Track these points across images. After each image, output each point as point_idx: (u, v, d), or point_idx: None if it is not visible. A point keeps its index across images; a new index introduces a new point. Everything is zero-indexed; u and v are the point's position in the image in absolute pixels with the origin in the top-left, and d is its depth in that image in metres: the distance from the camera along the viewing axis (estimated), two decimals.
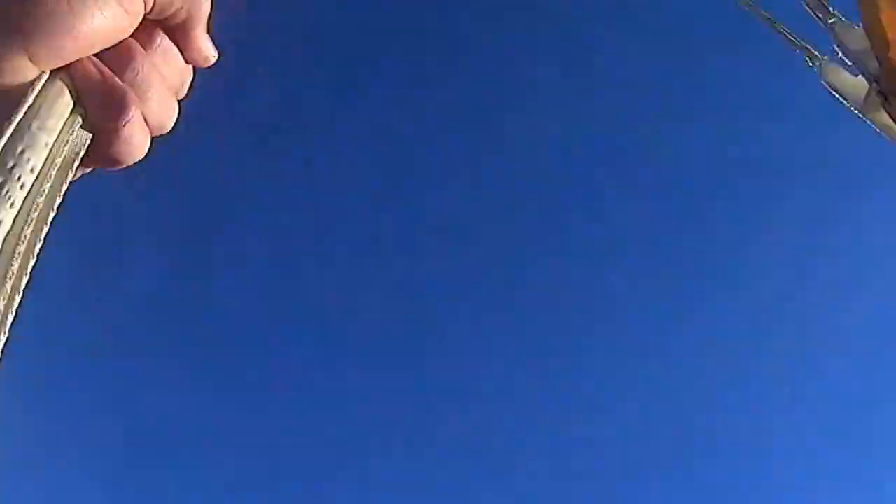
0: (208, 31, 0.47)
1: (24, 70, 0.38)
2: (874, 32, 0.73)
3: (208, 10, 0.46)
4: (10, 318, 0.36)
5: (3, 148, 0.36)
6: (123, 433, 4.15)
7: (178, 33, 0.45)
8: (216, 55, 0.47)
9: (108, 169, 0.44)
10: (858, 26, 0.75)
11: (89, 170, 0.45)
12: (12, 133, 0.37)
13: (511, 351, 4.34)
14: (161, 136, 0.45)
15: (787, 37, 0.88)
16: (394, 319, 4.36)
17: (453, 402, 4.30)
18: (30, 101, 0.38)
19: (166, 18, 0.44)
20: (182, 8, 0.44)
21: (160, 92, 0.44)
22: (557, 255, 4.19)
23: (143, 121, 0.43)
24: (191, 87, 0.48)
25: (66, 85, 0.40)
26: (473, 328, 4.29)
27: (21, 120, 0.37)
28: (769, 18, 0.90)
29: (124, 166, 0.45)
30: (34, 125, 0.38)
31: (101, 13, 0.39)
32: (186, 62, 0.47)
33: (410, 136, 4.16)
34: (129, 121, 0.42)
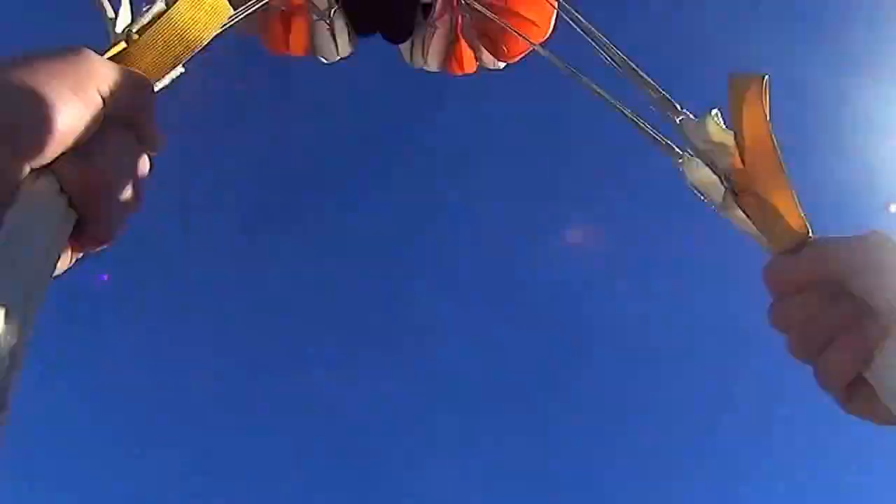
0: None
1: (14, 172, 0.43)
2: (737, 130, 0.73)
3: (154, 102, 0.54)
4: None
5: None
6: None
7: (135, 124, 0.51)
8: (165, 140, 0.54)
9: (95, 249, 0.50)
10: (705, 122, 0.74)
11: (79, 255, 0.50)
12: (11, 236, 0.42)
13: None
14: (136, 213, 0.51)
15: (649, 134, 0.87)
16: None
17: None
18: (23, 198, 0.43)
19: (122, 114, 0.50)
20: (129, 103, 0.50)
21: (129, 177, 0.50)
22: None
23: (120, 203, 0.49)
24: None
25: (54, 179, 0.45)
26: None
27: (14, 220, 0.42)
28: (631, 117, 0.90)
29: (108, 244, 0.50)
30: (26, 222, 0.43)
31: (71, 110, 0.45)
32: (144, 150, 0.52)
33: None
34: (108, 202, 0.48)
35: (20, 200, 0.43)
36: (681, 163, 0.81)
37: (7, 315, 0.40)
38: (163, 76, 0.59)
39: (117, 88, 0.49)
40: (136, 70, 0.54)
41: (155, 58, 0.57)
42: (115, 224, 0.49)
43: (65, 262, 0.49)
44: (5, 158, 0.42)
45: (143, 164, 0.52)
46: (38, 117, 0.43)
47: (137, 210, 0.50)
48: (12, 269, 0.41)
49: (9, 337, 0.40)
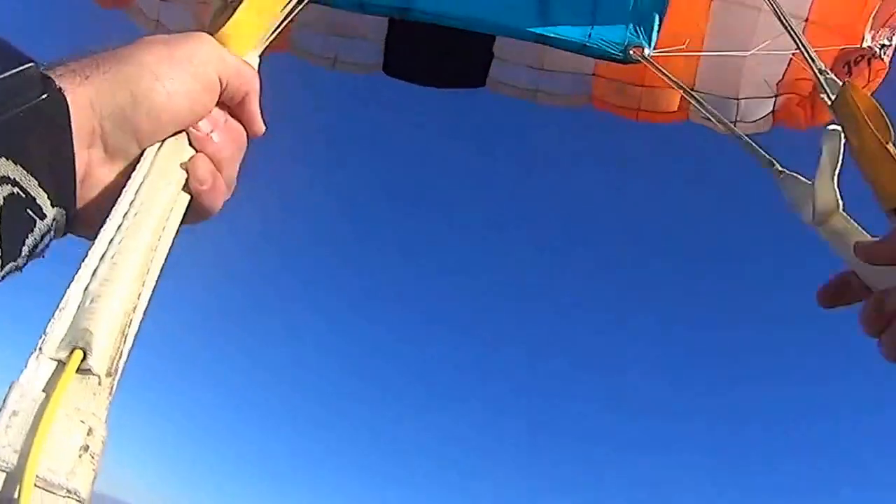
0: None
1: (135, 151, 0.48)
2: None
3: (259, 90, 0.56)
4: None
5: (125, 213, 0.44)
6: None
7: (240, 110, 0.55)
8: (264, 128, 0.57)
9: (195, 222, 0.53)
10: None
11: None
12: (132, 201, 0.45)
13: None
14: (229, 196, 0.54)
15: (756, 148, 1.03)
16: None
17: None
18: (143, 172, 0.47)
19: (232, 98, 0.54)
20: (241, 88, 0.54)
21: (231, 160, 0.53)
22: None
23: (223, 185, 0.52)
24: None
25: (177, 154, 0.49)
26: None
27: (138, 188, 0.46)
28: (740, 135, 1.07)
29: (206, 219, 0.53)
30: (144, 190, 0.46)
31: (191, 95, 0.49)
32: (247, 134, 0.56)
33: None
34: (212, 186, 0.51)
35: (144, 171, 0.47)
36: (781, 178, 0.99)
37: (125, 284, 0.41)
38: (261, 44, 0.61)
39: (232, 74, 0.52)
40: (242, 58, 0.56)
41: (254, 21, 0.58)
42: (219, 201, 0.52)
43: None
44: (128, 141, 0.47)
45: (243, 148, 0.55)
46: (161, 104, 0.47)
47: (231, 192, 0.54)
48: (135, 238, 0.44)
49: (126, 304, 0.41)
